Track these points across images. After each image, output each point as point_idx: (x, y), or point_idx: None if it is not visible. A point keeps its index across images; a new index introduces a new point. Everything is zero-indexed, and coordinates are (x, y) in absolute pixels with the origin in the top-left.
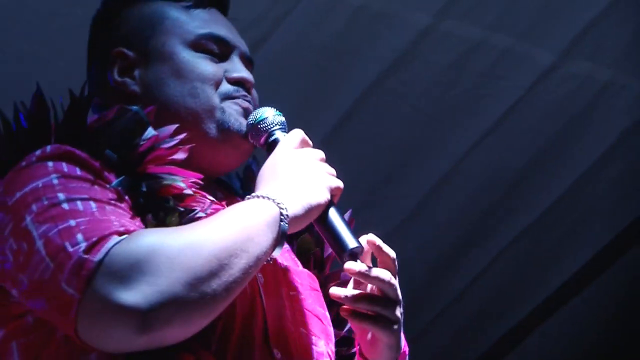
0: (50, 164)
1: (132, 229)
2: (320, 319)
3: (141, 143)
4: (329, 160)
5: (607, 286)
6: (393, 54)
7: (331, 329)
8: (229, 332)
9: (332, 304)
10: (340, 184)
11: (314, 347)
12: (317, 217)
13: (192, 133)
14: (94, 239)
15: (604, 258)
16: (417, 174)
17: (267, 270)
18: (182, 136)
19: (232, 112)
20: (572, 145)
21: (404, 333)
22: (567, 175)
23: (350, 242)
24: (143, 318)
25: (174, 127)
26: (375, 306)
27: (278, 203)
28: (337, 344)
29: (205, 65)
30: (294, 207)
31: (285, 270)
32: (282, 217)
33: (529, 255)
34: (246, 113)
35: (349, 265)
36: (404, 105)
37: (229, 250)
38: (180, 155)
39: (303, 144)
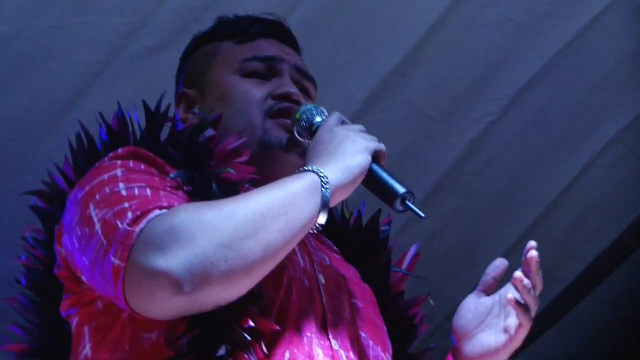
0: (119, 162)
1: (175, 205)
2: (378, 329)
3: (202, 142)
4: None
5: None
6: None
7: (388, 341)
8: (285, 314)
9: (396, 321)
10: (381, 146)
11: (370, 350)
12: (365, 180)
13: (247, 147)
14: (139, 213)
15: None
16: (507, 78)
17: (329, 274)
18: (243, 139)
19: (273, 130)
20: None
21: None
22: None
23: (400, 189)
24: (179, 281)
25: (237, 134)
26: (532, 305)
27: (317, 172)
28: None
29: (249, 87)
30: (335, 174)
31: (348, 280)
32: (322, 183)
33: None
34: (289, 128)
35: (520, 275)
36: (492, 13)
37: (264, 214)
38: (242, 158)
39: (341, 122)
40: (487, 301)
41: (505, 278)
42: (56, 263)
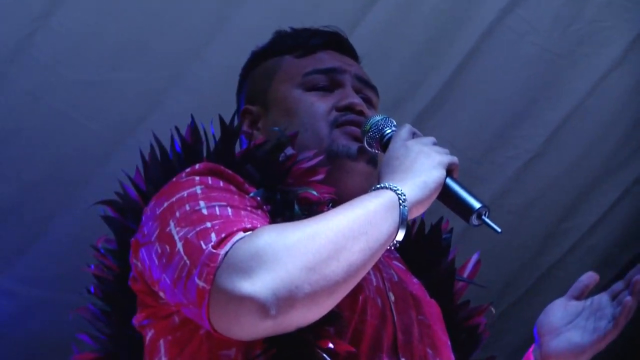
0: (197, 178)
1: (258, 226)
2: (443, 345)
3: (281, 160)
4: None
5: None
6: None
7: (452, 356)
8: (360, 335)
9: (459, 330)
10: (454, 159)
11: None
12: (440, 194)
13: (325, 164)
14: (223, 235)
15: None
16: (544, 113)
17: (398, 291)
18: (320, 158)
19: (340, 139)
20: None
21: None
22: None
23: (475, 204)
24: (265, 305)
25: (313, 151)
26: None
27: (395, 189)
28: None
29: (313, 101)
30: (412, 191)
31: (415, 297)
32: (400, 201)
33: None
34: (356, 136)
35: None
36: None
37: (346, 234)
38: (319, 176)
39: (412, 135)
40: (577, 304)
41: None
42: (131, 275)
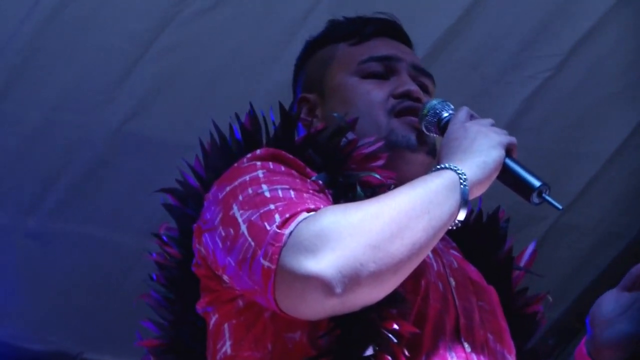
0: (258, 163)
1: (322, 207)
2: (503, 330)
3: (342, 145)
4: None
5: None
6: None
7: (511, 343)
8: (423, 318)
9: (517, 318)
10: (513, 140)
11: (497, 353)
12: (499, 174)
13: (385, 151)
14: (287, 215)
15: None
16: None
17: (458, 277)
18: (380, 144)
19: (399, 129)
20: None
21: None
22: None
23: (535, 182)
24: (331, 283)
25: (374, 137)
26: None
27: (455, 169)
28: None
29: (369, 89)
30: (472, 170)
31: (475, 283)
32: (461, 181)
33: None
34: (414, 126)
35: None
36: None
37: (408, 213)
38: (380, 162)
39: (470, 116)
40: (629, 295)
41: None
42: (194, 261)
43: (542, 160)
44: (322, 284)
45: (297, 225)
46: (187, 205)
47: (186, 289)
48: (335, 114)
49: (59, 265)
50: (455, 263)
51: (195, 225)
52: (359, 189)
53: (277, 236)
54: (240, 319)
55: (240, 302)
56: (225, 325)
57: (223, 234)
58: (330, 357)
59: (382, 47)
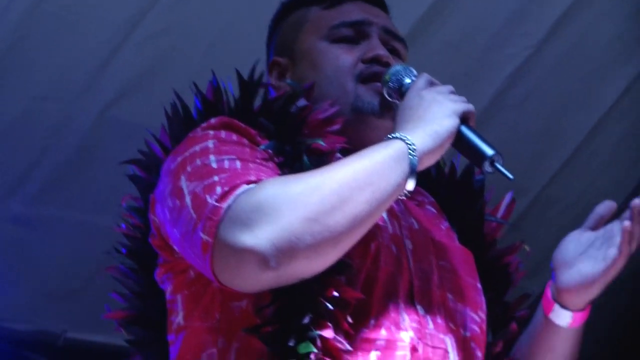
0: (211, 132)
1: (263, 178)
2: (469, 288)
3: (294, 111)
4: None
5: None
6: None
7: (480, 298)
8: (372, 281)
9: (489, 270)
10: (469, 107)
11: (458, 311)
12: (454, 142)
13: (340, 115)
14: (226, 189)
15: None
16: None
17: (417, 239)
18: (335, 109)
19: (365, 95)
20: None
21: None
22: None
23: (488, 151)
24: (265, 257)
25: (329, 101)
26: (636, 237)
27: (404, 138)
28: (493, 310)
29: (338, 53)
30: (422, 140)
31: (437, 243)
32: (410, 150)
33: None
34: (380, 92)
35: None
36: None
37: (351, 185)
38: (335, 127)
39: (429, 84)
40: (590, 234)
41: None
42: (150, 231)
43: (527, 136)
44: (256, 258)
45: (236, 198)
46: (152, 175)
47: (149, 259)
48: (288, 81)
49: (42, 248)
50: (416, 224)
51: (150, 195)
52: (305, 157)
53: (215, 210)
54: (191, 289)
55: (192, 273)
56: (179, 296)
57: (171, 205)
58: (273, 326)
59: (354, 11)
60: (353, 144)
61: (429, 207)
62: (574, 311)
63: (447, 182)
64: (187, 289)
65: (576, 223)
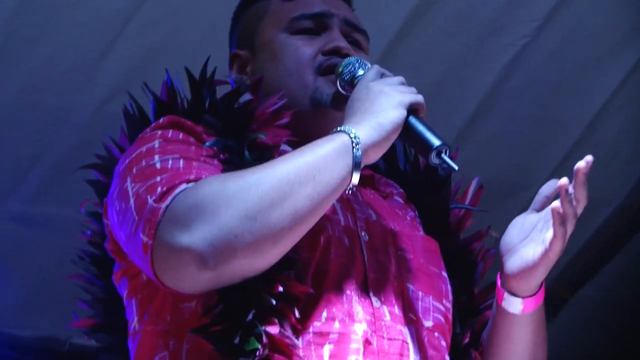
0: (159, 132)
1: (203, 177)
2: (431, 277)
3: (237, 106)
4: None
5: None
6: None
7: (445, 287)
8: (323, 274)
9: (455, 258)
10: (417, 98)
11: (419, 301)
12: (401, 133)
13: (292, 107)
14: (165, 189)
15: None
16: None
17: (374, 230)
18: (283, 101)
19: (323, 88)
20: None
21: None
22: None
23: (434, 142)
24: (203, 257)
25: (278, 94)
26: (570, 216)
27: (348, 131)
28: (459, 299)
29: (298, 45)
30: (367, 132)
31: (397, 233)
32: (353, 144)
33: None
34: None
35: (565, 181)
36: None
37: (291, 180)
38: (283, 120)
39: (379, 75)
40: (533, 217)
41: None
42: (106, 236)
43: (525, 127)
44: (194, 258)
45: (174, 198)
46: (111, 179)
47: (110, 265)
48: (230, 77)
49: (43, 248)
50: (374, 216)
51: (105, 199)
52: (246, 152)
53: (154, 210)
54: (143, 292)
55: (144, 276)
56: (133, 301)
57: (117, 207)
58: (220, 325)
59: (315, 2)
60: (312, 136)
61: (397, 197)
62: (524, 297)
63: (412, 172)
64: (140, 292)
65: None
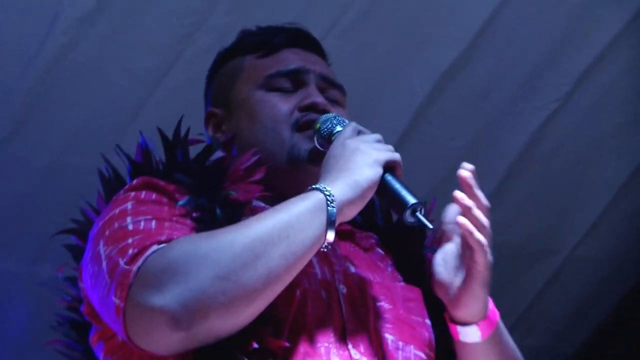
0: (132, 193)
1: (175, 237)
2: (413, 326)
3: (208, 164)
4: None
5: None
6: None
7: (429, 335)
8: (300, 328)
9: (436, 311)
10: (394, 156)
11: (399, 351)
12: (377, 191)
13: (268, 164)
14: (136, 250)
15: None
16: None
17: (352, 282)
18: (256, 158)
19: (301, 144)
20: None
21: None
22: None
23: (409, 200)
24: (175, 318)
25: (251, 151)
26: (478, 225)
27: (323, 189)
28: (441, 345)
29: (274, 102)
30: (342, 190)
31: (373, 284)
32: (328, 202)
33: None
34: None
35: (459, 193)
36: None
37: (264, 240)
38: (256, 176)
39: (357, 132)
40: (450, 246)
41: None
42: (82, 300)
43: (555, 190)
44: (166, 319)
45: (146, 259)
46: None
47: (89, 329)
48: (207, 135)
49: None
50: (352, 268)
51: (80, 264)
52: (218, 210)
53: (125, 273)
54: (119, 354)
55: (119, 338)
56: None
57: (91, 271)
58: None
59: (290, 59)
60: (287, 192)
61: (378, 249)
62: (477, 322)
63: (386, 224)
64: (116, 354)
65: (609, 281)
